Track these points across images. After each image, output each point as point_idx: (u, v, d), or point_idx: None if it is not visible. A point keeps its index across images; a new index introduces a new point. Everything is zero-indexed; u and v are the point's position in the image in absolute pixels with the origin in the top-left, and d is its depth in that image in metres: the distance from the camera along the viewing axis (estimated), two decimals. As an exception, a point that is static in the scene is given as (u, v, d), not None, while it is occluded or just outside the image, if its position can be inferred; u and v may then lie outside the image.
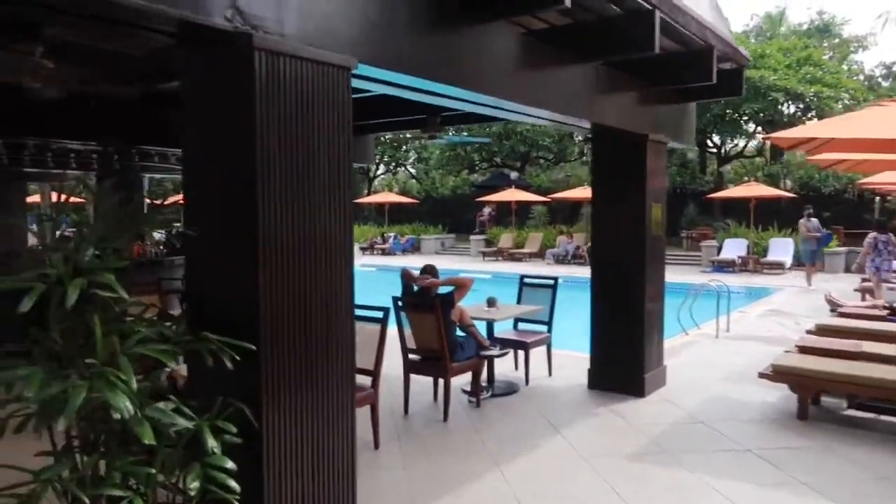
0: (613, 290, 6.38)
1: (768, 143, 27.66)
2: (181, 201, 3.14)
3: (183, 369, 3.24)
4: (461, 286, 5.69)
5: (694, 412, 5.74)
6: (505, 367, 6.89)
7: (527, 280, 7.27)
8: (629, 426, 5.43)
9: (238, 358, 2.61)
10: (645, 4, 4.72)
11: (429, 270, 5.83)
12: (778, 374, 5.66)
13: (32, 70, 4.34)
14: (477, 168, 33.46)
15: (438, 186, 32.13)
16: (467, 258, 23.91)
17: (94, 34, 2.94)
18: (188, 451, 2.55)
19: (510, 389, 6.39)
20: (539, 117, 5.55)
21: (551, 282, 7.02)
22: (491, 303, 6.48)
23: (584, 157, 32.04)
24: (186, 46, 2.96)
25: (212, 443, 2.53)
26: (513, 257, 23.27)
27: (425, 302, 5.48)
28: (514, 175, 28.94)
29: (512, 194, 24.94)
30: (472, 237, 26.18)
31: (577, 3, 4.29)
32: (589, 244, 21.59)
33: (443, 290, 5.76)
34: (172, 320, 2.86)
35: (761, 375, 5.76)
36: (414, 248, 26.82)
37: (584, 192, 23.92)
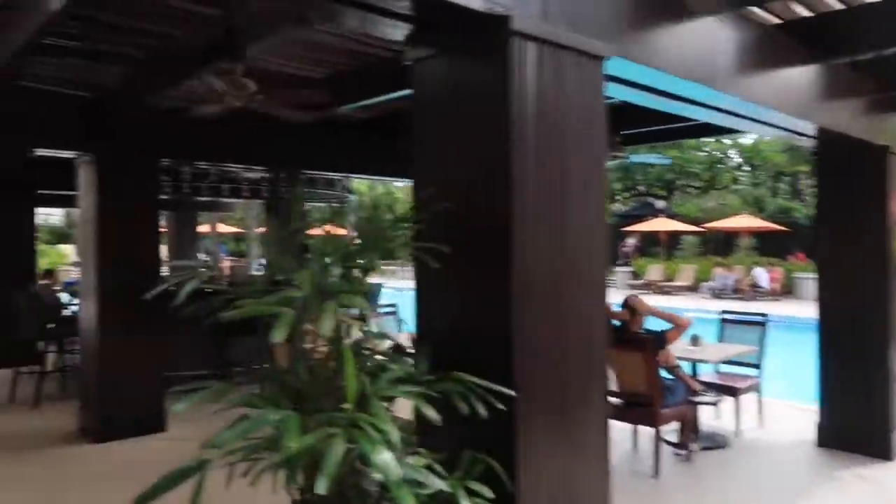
0: (848, 332, 5.34)
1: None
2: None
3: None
4: (680, 325, 4.96)
5: (969, 484, 4.63)
6: (703, 415, 6.01)
7: (728, 316, 6.40)
8: (890, 501, 4.43)
9: (502, 406, 2.12)
10: (913, -14, 3.92)
11: (631, 304, 5.15)
12: None
13: (235, 89, 4.24)
14: (617, 198, 32.17)
15: (577, 217, 31.12)
16: (613, 290, 22.72)
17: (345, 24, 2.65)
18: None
19: (718, 442, 5.52)
20: (764, 122, 4.74)
21: (760, 318, 6.12)
22: (695, 341, 5.68)
23: (735, 185, 29.97)
24: (426, 34, 2.57)
25: (470, 510, 2.05)
26: (662, 290, 21.82)
27: (633, 339, 4.81)
28: (660, 204, 27.45)
29: (661, 223, 23.55)
30: (617, 269, 24.97)
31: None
32: (749, 276, 19.90)
33: (649, 326, 5.08)
34: (408, 355, 2.44)
35: None
36: (555, 279, 25.95)
37: (742, 222, 22.18)
